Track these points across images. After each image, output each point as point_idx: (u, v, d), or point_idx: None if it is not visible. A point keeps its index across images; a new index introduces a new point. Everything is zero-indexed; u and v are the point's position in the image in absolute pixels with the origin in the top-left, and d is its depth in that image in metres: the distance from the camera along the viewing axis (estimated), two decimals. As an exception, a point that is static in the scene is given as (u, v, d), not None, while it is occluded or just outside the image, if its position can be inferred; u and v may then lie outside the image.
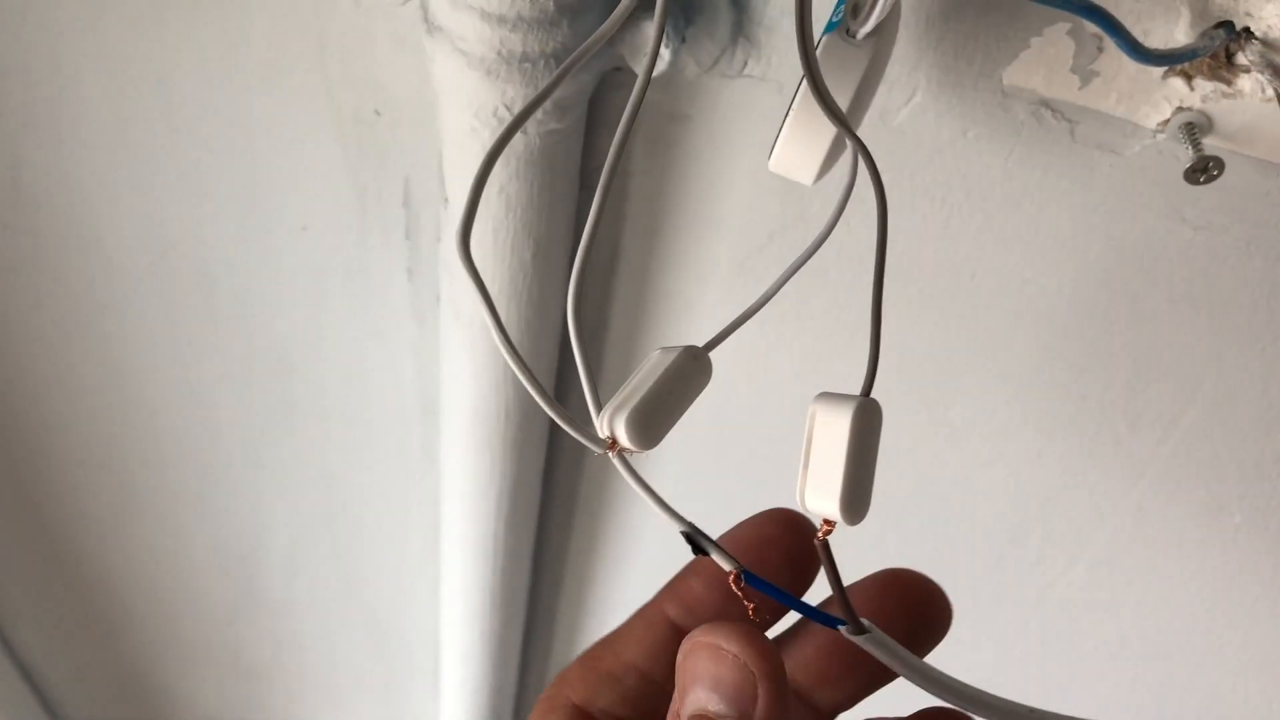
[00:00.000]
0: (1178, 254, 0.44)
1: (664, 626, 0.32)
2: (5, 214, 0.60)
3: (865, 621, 0.29)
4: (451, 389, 0.57)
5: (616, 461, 0.29)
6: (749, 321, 0.53)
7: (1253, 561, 0.55)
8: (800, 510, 0.29)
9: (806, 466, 0.28)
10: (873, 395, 0.29)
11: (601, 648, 0.32)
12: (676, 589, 0.33)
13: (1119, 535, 0.56)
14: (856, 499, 0.27)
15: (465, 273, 0.26)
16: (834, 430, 0.28)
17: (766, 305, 0.52)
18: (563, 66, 0.27)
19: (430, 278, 0.57)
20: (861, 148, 0.30)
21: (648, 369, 0.30)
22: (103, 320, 0.66)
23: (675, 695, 0.28)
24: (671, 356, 0.30)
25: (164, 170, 0.56)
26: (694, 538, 0.28)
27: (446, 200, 0.46)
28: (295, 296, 0.62)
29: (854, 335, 0.51)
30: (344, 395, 0.68)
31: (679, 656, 0.28)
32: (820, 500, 0.28)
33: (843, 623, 0.29)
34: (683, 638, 0.29)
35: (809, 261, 0.50)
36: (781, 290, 0.51)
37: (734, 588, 0.29)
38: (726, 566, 0.28)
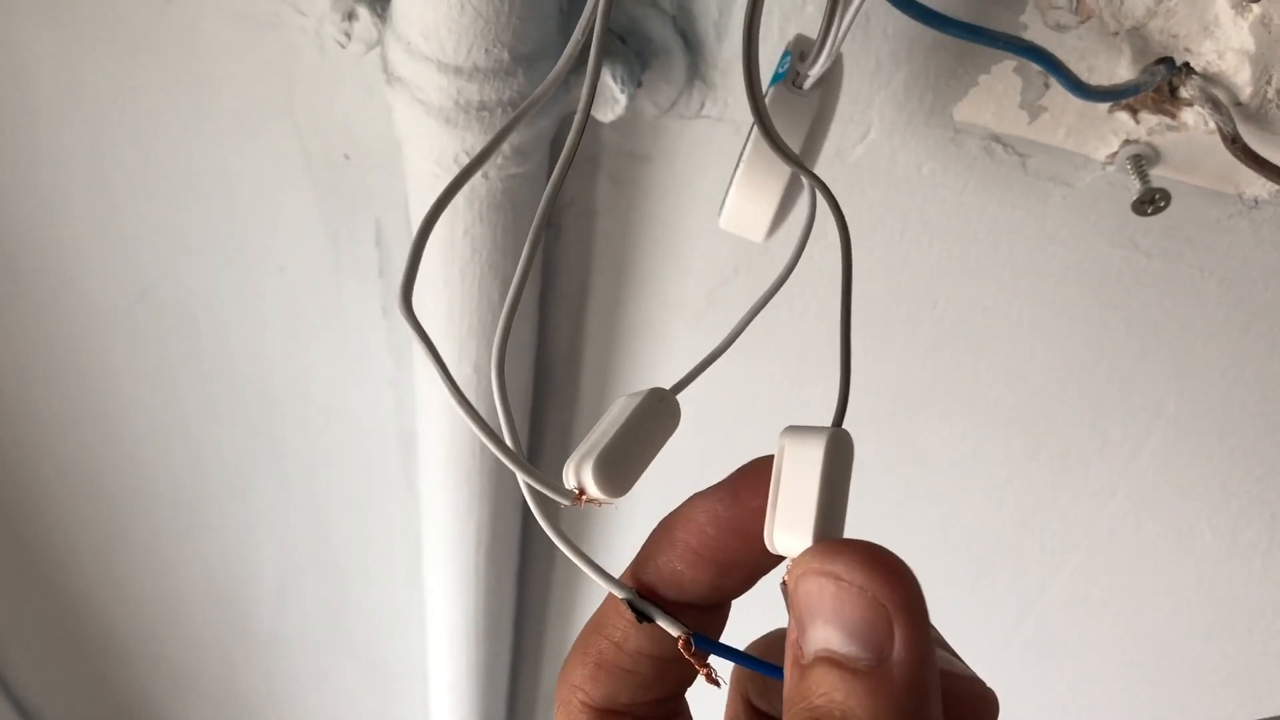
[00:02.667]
0: (1134, 281, 0.45)
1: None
2: (-14, 260, 0.61)
3: None
4: (428, 424, 0.58)
5: (551, 533, 0.27)
6: (734, 349, 0.53)
7: (1225, 579, 0.56)
8: (770, 551, 0.26)
9: (775, 505, 0.26)
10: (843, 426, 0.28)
11: (600, 640, 0.28)
12: (646, 562, 0.28)
13: (1093, 557, 0.57)
14: (829, 538, 0.25)
15: (412, 330, 0.27)
16: (805, 464, 0.26)
17: (736, 340, 0.53)
18: (490, 141, 0.27)
19: (405, 316, 0.57)
20: (818, 182, 0.30)
21: (613, 414, 0.29)
22: (87, 360, 0.67)
23: (792, 624, 0.24)
24: (637, 400, 0.29)
25: (142, 215, 0.57)
26: (636, 605, 0.26)
27: (414, 243, 0.47)
28: (275, 335, 0.62)
29: (822, 366, 0.52)
30: (326, 431, 0.68)
31: (790, 580, 0.24)
32: (790, 539, 0.25)
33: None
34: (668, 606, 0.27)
35: (785, 291, 0.51)
36: (761, 318, 0.52)
37: (683, 652, 0.26)
38: (674, 633, 0.26)
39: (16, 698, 1.07)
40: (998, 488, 0.55)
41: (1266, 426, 0.49)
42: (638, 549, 0.28)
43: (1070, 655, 0.63)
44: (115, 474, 0.77)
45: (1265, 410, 0.48)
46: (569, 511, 0.67)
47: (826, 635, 0.23)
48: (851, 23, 0.31)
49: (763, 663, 0.27)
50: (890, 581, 0.23)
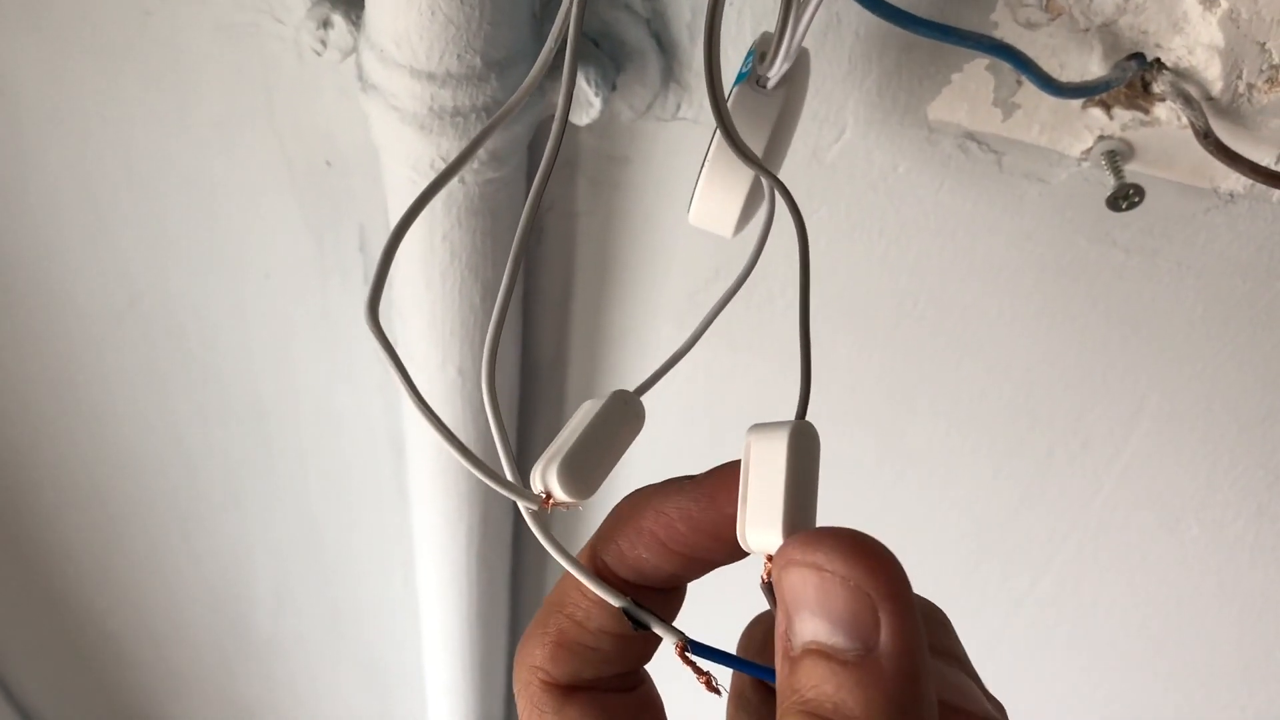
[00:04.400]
0: (1112, 276, 0.45)
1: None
2: (-25, 271, 0.61)
3: None
4: (415, 429, 0.58)
5: (539, 533, 0.28)
6: (702, 358, 0.53)
7: (1214, 573, 0.56)
8: (743, 548, 0.26)
9: (744, 502, 0.26)
10: (809, 419, 0.28)
11: (560, 619, 0.28)
12: (609, 542, 0.28)
13: (1081, 552, 0.57)
14: (800, 529, 0.25)
15: (376, 340, 0.27)
16: (770, 459, 0.26)
17: (719, 342, 0.53)
18: (462, 151, 0.28)
19: (389, 322, 0.58)
20: (777, 183, 0.31)
21: (577, 419, 0.30)
22: (79, 369, 0.67)
23: (779, 614, 0.23)
24: (601, 403, 0.29)
25: (128, 224, 0.57)
26: (632, 614, 0.26)
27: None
28: (264, 341, 0.63)
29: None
30: (317, 436, 0.68)
31: (775, 570, 0.24)
32: (761, 535, 0.25)
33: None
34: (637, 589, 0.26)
35: (755, 297, 0.51)
36: (733, 326, 0.52)
37: (680, 659, 0.26)
38: (670, 639, 0.26)
39: (18, 702, 1.08)
40: (983, 485, 0.55)
41: (1250, 419, 0.49)
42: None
43: (1060, 651, 0.63)
44: (110, 480, 0.77)
45: (1247, 403, 0.48)
46: (561, 514, 0.67)
47: (814, 627, 0.23)
48: (810, 21, 0.31)
49: (757, 665, 0.27)
50: (873, 569, 0.22)
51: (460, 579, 0.66)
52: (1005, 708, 0.30)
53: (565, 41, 0.30)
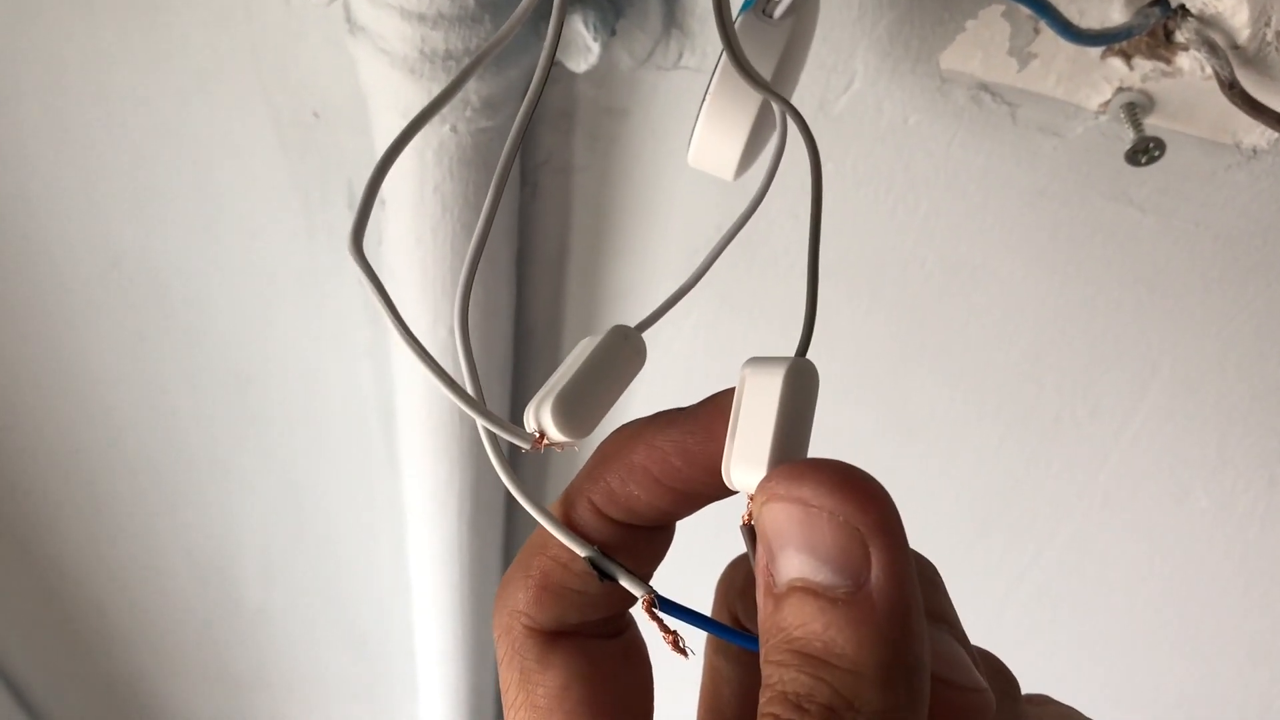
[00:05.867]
0: (1127, 236, 0.43)
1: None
2: (-48, 227, 0.59)
3: None
4: (406, 393, 0.56)
5: (508, 483, 0.26)
6: (703, 319, 0.52)
7: (1223, 545, 0.54)
8: (727, 485, 0.25)
9: (732, 437, 0.25)
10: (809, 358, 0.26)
11: (543, 560, 0.26)
12: (596, 481, 0.26)
13: (1087, 523, 0.56)
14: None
15: (361, 272, 0.25)
16: (764, 394, 0.24)
17: (720, 303, 0.52)
18: (454, 78, 0.26)
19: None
20: (788, 107, 0.29)
21: (574, 355, 0.28)
22: (61, 330, 0.66)
23: (760, 552, 0.23)
24: (599, 339, 0.28)
25: (108, 179, 0.55)
26: (598, 564, 0.25)
27: (384, 202, 0.46)
28: (249, 302, 0.61)
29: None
30: (304, 401, 0.67)
31: (756, 506, 0.23)
32: (745, 473, 0.24)
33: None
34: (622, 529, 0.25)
35: (759, 257, 0.49)
36: (735, 288, 0.50)
37: (646, 613, 0.25)
38: (638, 593, 0.25)
39: (6, 672, 1.07)
40: (988, 454, 0.54)
41: (1264, 387, 0.47)
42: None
43: (1065, 622, 0.62)
44: (93, 445, 0.76)
45: (1263, 370, 0.46)
46: (564, 460, 0.65)
47: (799, 563, 0.22)
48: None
49: (733, 631, 0.26)
50: (863, 504, 0.21)
51: (451, 547, 0.65)
52: (1003, 662, 0.28)
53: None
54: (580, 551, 0.25)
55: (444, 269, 0.46)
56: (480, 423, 0.25)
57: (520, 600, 0.26)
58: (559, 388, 0.26)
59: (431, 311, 0.49)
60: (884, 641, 0.21)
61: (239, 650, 0.99)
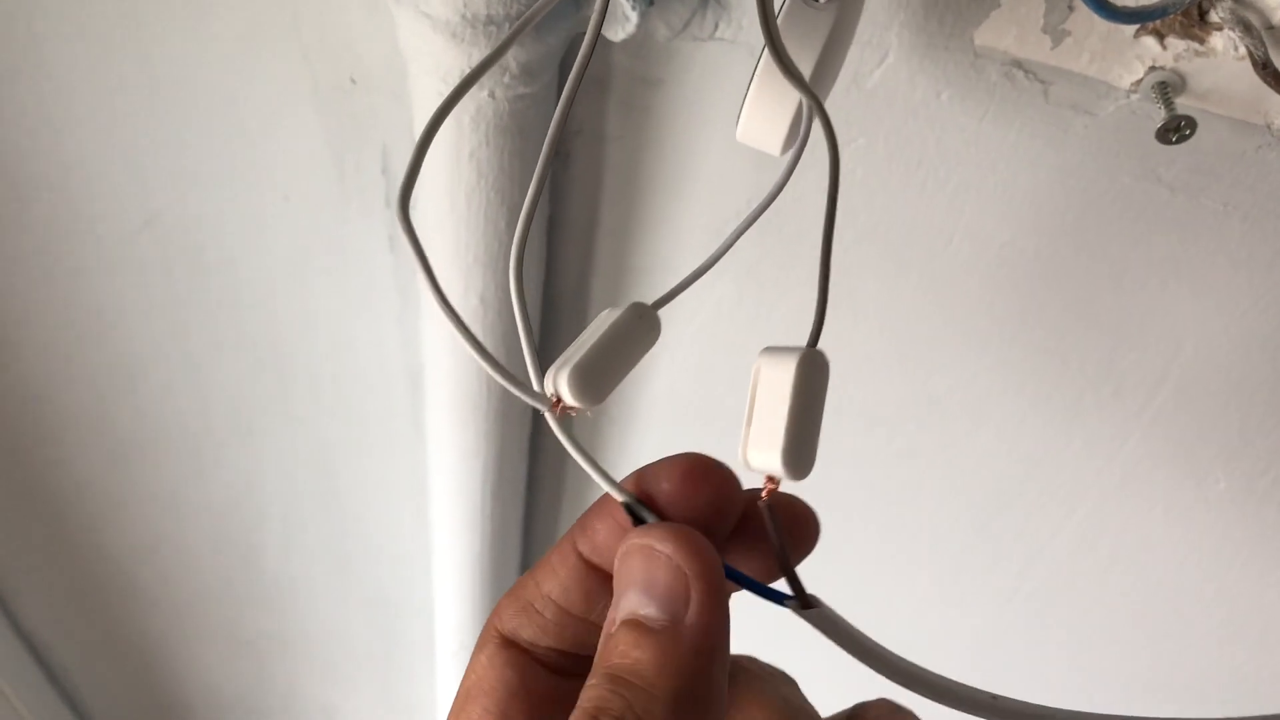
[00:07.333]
0: (1155, 216, 0.44)
1: (575, 561, 0.29)
2: (-10, 187, 0.60)
3: (813, 596, 0.27)
4: (434, 360, 0.57)
5: (555, 426, 0.29)
6: (727, 291, 0.52)
7: (1240, 527, 0.55)
8: (744, 468, 0.28)
9: (750, 422, 0.27)
10: (820, 348, 0.28)
11: (528, 578, 0.30)
12: (585, 527, 0.30)
13: (1105, 503, 0.56)
14: (800, 453, 0.26)
15: (404, 234, 0.26)
16: (778, 383, 0.27)
17: (746, 277, 0.52)
18: (499, 45, 0.27)
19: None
20: (816, 104, 0.30)
21: (594, 326, 0.30)
22: (92, 288, 0.67)
23: (614, 600, 0.26)
24: (618, 313, 0.30)
25: (149, 140, 0.56)
26: (634, 509, 0.27)
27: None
28: (281, 267, 0.62)
29: (836, 299, 0.51)
30: (332, 368, 0.68)
31: (616, 561, 0.26)
32: (762, 456, 0.26)
33: (789, 597, 0.27)
34: (593, 572, 0.28)
35: (786, 232, 0.50)
36: (763, 261, 0.51)
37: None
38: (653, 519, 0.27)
39: (26, 635, 1.08)
40: (1009, 432, 0.54)
41: (1287, 370, 0.48)
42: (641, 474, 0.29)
43: (1078, 603, 0.62)
44: (120, 406, 0.77)
45: (1286, 353, 0.47)
46: (586, 431, 0.66)
47: (634, 600, 0.25)
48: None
49: (759, 585, 0.27)
50: (694, 553, 0.25)
51: (474, 516, 0.66)
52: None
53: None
54: (619, 497, 0.28)
55: (476, 236, 0.47)
56: (503, 384, 0.28)
57: (506, 601, 0.30)
58: (576, 358, 0.28)
59: (463, 280, 0.49)
60: (682, 670, 0.24)
61: (257, 614, 1.00)
